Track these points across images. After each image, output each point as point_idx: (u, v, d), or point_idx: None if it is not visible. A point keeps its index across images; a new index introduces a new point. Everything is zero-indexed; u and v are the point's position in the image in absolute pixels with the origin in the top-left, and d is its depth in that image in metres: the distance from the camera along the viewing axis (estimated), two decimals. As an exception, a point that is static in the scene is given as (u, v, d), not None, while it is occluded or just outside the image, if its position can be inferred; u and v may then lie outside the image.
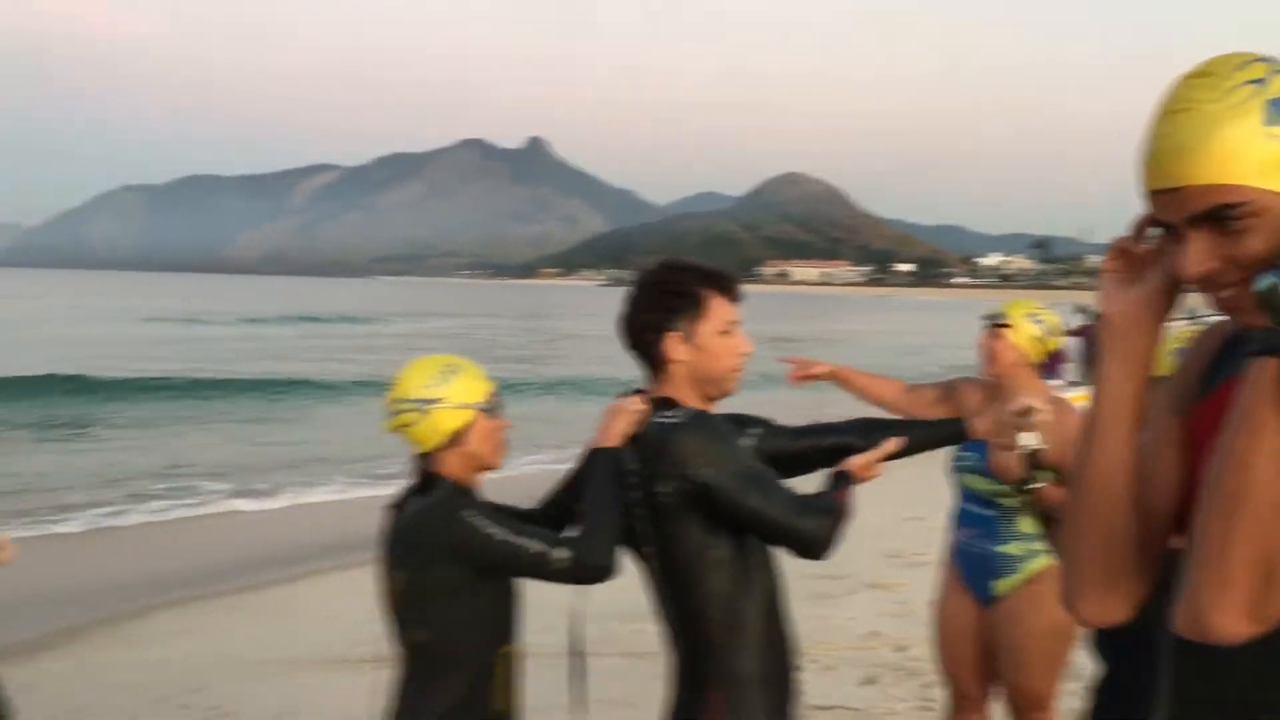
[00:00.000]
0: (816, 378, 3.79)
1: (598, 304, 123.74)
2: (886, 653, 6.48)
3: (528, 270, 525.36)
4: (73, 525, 11.42)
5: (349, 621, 7.80)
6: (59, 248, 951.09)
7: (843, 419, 2.83)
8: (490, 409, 2.60)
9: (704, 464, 2.35)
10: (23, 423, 18.61)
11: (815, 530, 2.39)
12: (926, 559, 8.60)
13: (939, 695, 4.94)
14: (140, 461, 15.72)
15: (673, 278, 2.52)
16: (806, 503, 2.42)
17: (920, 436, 2.81)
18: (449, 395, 2.54)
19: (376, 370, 29.10)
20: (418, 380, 2.57)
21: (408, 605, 2.52)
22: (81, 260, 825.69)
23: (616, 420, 2.51)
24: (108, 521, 11.76)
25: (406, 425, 2.57)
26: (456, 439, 2.55)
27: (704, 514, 2.38)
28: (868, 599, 7.70)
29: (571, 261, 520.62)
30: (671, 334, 2.47)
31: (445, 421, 2.54)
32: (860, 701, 5.63)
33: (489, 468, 2.62)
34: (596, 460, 2.51)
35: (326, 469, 15.17)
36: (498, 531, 2.42)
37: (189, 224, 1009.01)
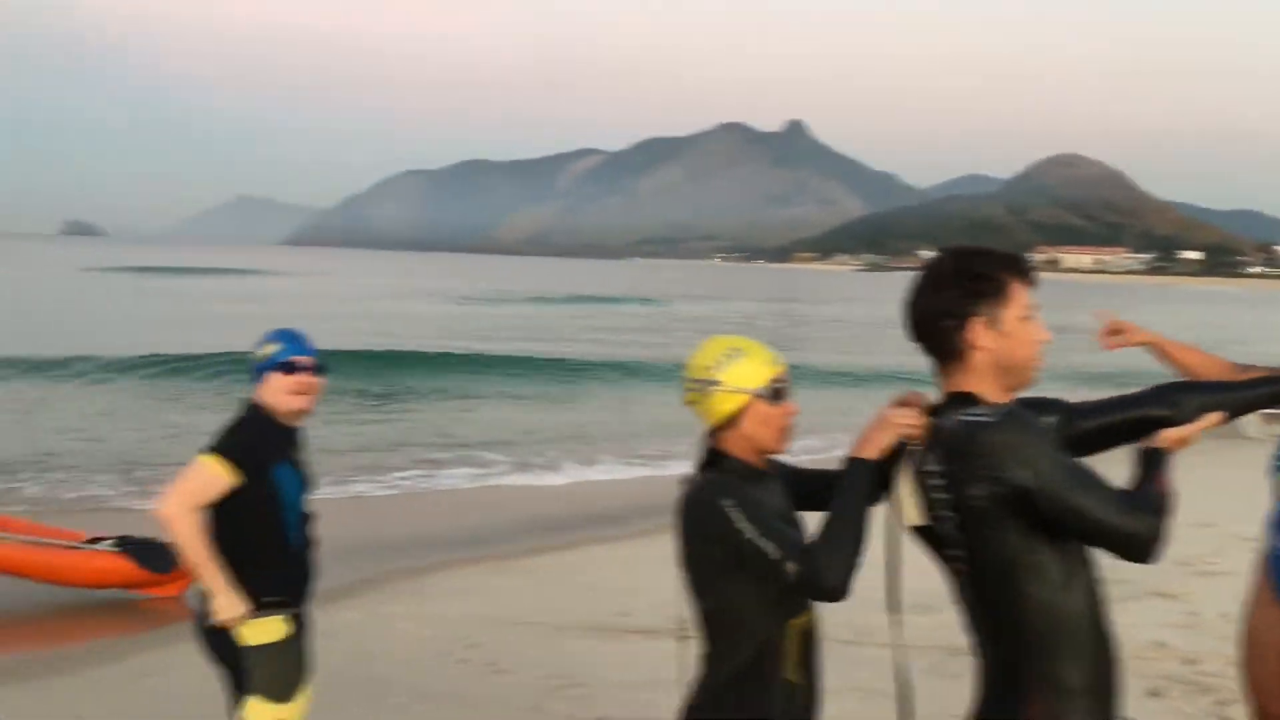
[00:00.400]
0: (1132, 344, 3.51)
1: (855, 289, 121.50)
2: (1173, 665, 6.08)
3: (783, 254, 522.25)
4: (372, 487, 12.37)
5: (614, 591, 8.09)
6: (346, 229, 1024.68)
7: (1142, 388, 2.62)
8: (770, 395, 2.60)
9: (1020, 465, 2.21)
10: (336, 392, 20.13)
11: (1146, 531, 2.22)
12: (1218, 568, 8.02)
13: (1237, 715, 4.61)
14: (435, 432, 16.80)
15: (973, 262, 2.41)
16: (1133, 500, 2.25)
17: (1241, 398, 2.54)
18: (727, 379, 2.58)
19: (644, 352, 29.86)
20: (703, 360, 2.62)
21: (692, 575, 2.60)
22: (366, 240, 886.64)
23: (882, 432, 2.44)
24: (403, 485, 12.70)
25: (693, 403, 2.64)
26: (734, 421, 2.59)
27: (1022, 517, 2.25)
28: (1152, 607, 7.24)
29: (827, 246, 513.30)
30: (976, 319, 2.36)
31: (722, 404, 2.58)
32: (1147, 714, 5.31)
33: (769, 452, 2.64)
34: (852, 471, 2.46)
35: (598, 447, 15.77)
36: (747, 529, 2.42)
37: (462, 207, 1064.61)
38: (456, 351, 26.91)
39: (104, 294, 52.58)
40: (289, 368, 3.62)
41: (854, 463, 2.46)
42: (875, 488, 2.48)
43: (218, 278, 76.67)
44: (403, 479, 12.97)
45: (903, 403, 2.52)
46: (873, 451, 2.45)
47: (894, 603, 2.58)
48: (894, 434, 2.44)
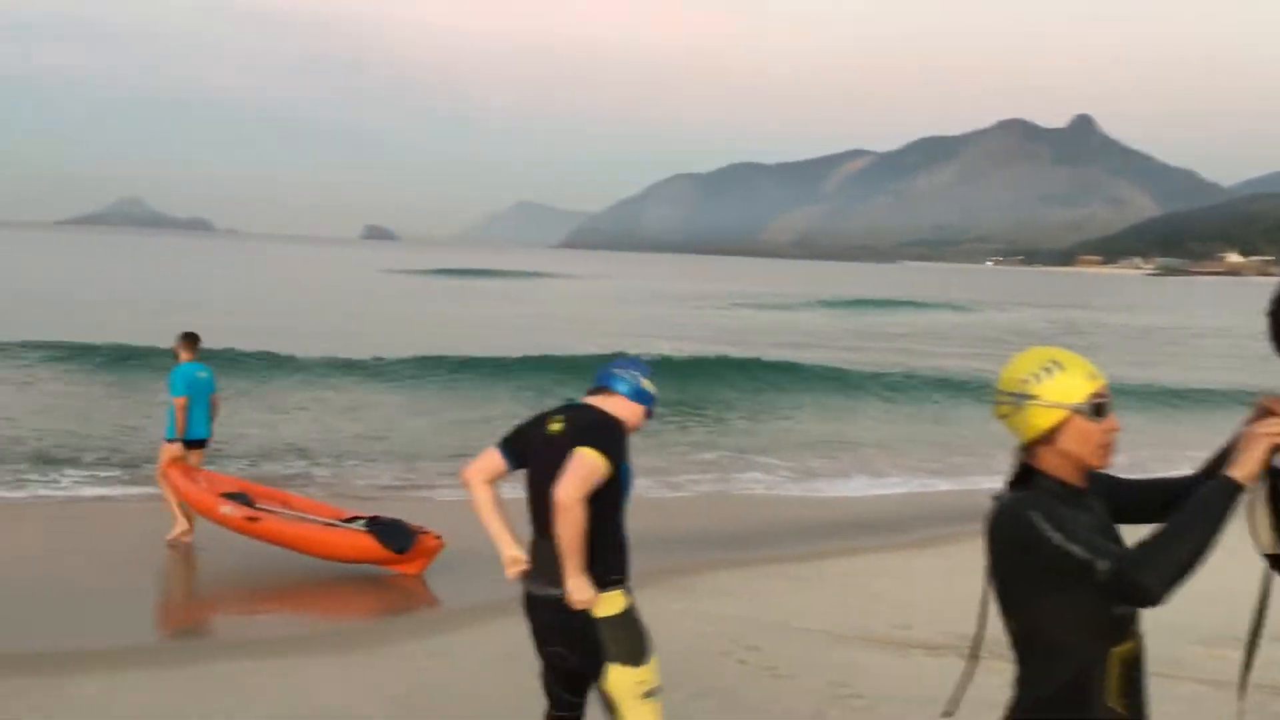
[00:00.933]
0: None
1: (1148, 295, 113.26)
2: None
3: (1065, 257, 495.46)
4: (653, 485, 12.51)
5: (895, 602, 7.93)
6: (617, 232, 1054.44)
7: None
8: (1091, 411, 2.45)
9: None
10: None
11: None
12: None
13: None
14: (725, 437, 17.01)
15: None
16: None
17: None
18: (1043, 393, 2.45)
19: (920, 361, 28.96)
20: (1018, 373, 2.50)
21: (1002, 594, 2.50)
22: (635, 243, 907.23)
23: (1253, 448, 2.25)
24: (689, 487, 12.90)
25: (1004, 417, 2.53)
26: (1050, 437, 2.46)
27: None
28: None
29: (1114, 248, 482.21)
30: None
31: (1037, 419, 2.46)
32: None
33: (1089, 468, 2.50)
34: (1214, 487, 2.27)
35: (882, 457, 15.53)
36: (1054, 535, 2.31)
37: (730, 209, 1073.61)
38: (742, 356, 26.54)
39: (404, 295, 56.19)
40: (649, 413, 4.19)
41: (1221, 480, 2.27)
42: (1229, 512, 2.28)
43: (504, 279, 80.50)
44: (691, 481, 13.20)
45: (1267, 410, 2.31)
46: (1246, 471, 2.25)
47: (1251, 643, 2.34)
48: (1266, 447, 2.24)
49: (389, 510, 9.44)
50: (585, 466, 3.80)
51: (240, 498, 9.07)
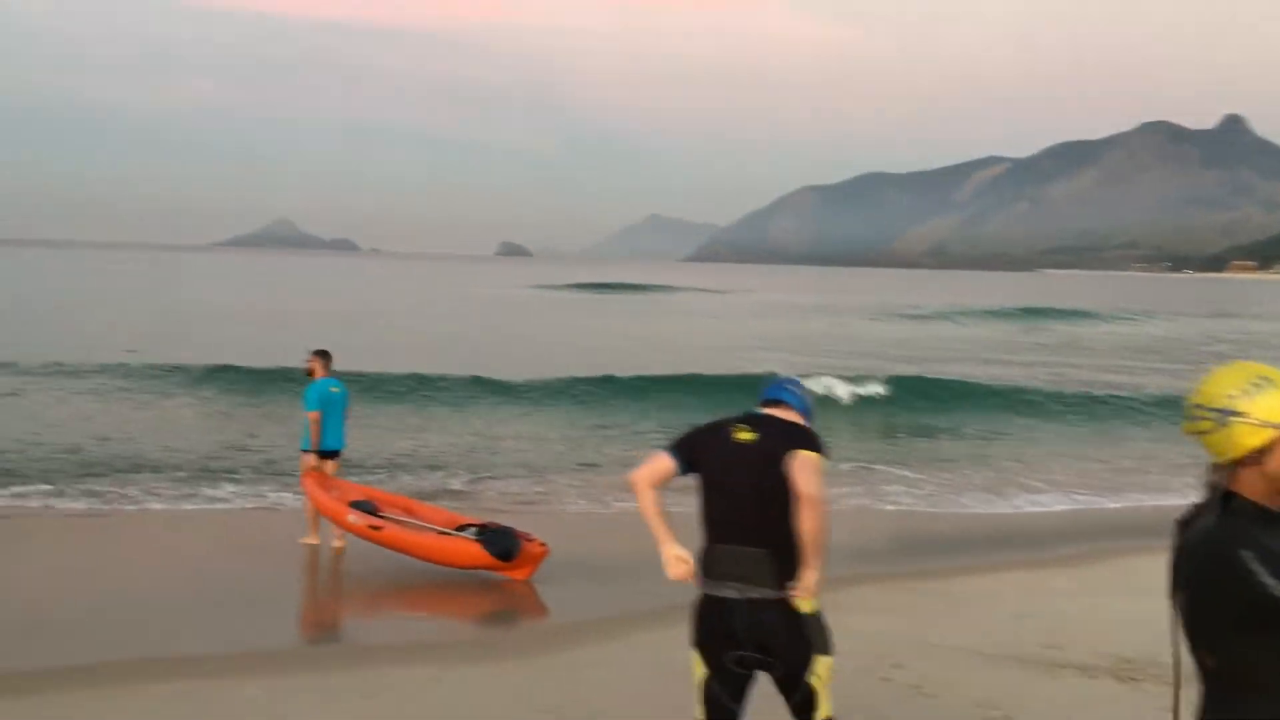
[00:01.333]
0: None
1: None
2: None
3: (1215, 263, 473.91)
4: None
5: (1043, 621, 7.71)
6: (745, 244, 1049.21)
7: None
8: None
9: None
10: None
11: None
12: None
13: None
14: (873, 450, 16.63)
15: None
16: None
17: None
18: (1252, 410, 2.35)
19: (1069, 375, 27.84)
20: (1222, 388, 2.39)
21: (1191, 626, 2.39)
22: (763, 255, 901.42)
23: None
24: (845, 502, 12.50)
25: (1202, 433, 2.42)
26: (1256, 457, 2.36)
27: None
28: None
29: (1269, 252, 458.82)
30: None
31: (1244, 437, 2.35)
32: None
33: None
34: None
35: (1024, 472, 15.02)
36: (1271, 582, 2.20)
37: (859, 220, 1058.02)
38: (891, 374, 25.61)
39: (544, 311, 56.46)
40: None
41: None
42: None
43: (641, 294, 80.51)
44: (836, 494, 12.92)
45: None
46: None
47: None
48: None
49: (513, 521, 9.66)
50: (815, 465, 3.92)
51: (366, 506, 9.47)
